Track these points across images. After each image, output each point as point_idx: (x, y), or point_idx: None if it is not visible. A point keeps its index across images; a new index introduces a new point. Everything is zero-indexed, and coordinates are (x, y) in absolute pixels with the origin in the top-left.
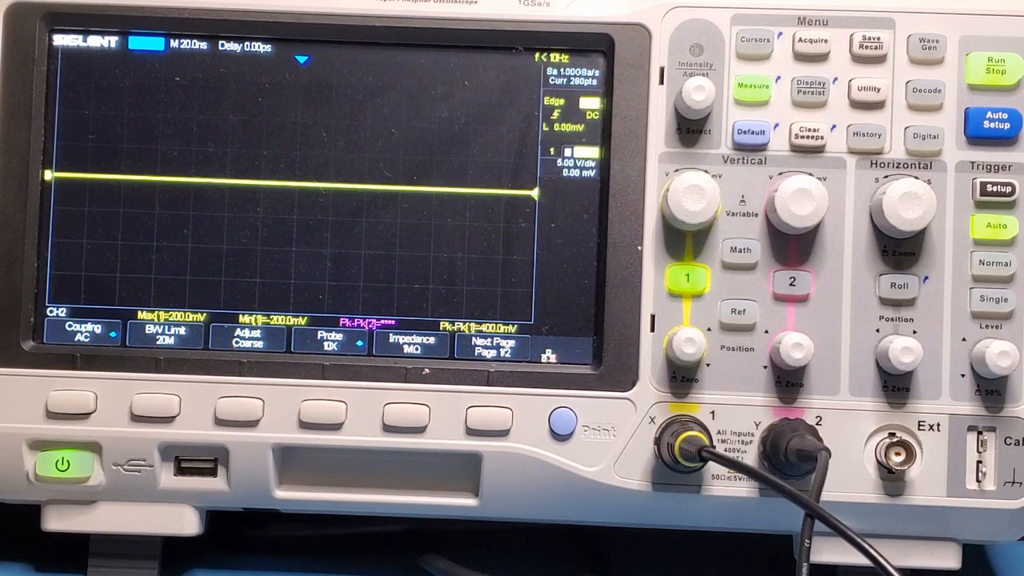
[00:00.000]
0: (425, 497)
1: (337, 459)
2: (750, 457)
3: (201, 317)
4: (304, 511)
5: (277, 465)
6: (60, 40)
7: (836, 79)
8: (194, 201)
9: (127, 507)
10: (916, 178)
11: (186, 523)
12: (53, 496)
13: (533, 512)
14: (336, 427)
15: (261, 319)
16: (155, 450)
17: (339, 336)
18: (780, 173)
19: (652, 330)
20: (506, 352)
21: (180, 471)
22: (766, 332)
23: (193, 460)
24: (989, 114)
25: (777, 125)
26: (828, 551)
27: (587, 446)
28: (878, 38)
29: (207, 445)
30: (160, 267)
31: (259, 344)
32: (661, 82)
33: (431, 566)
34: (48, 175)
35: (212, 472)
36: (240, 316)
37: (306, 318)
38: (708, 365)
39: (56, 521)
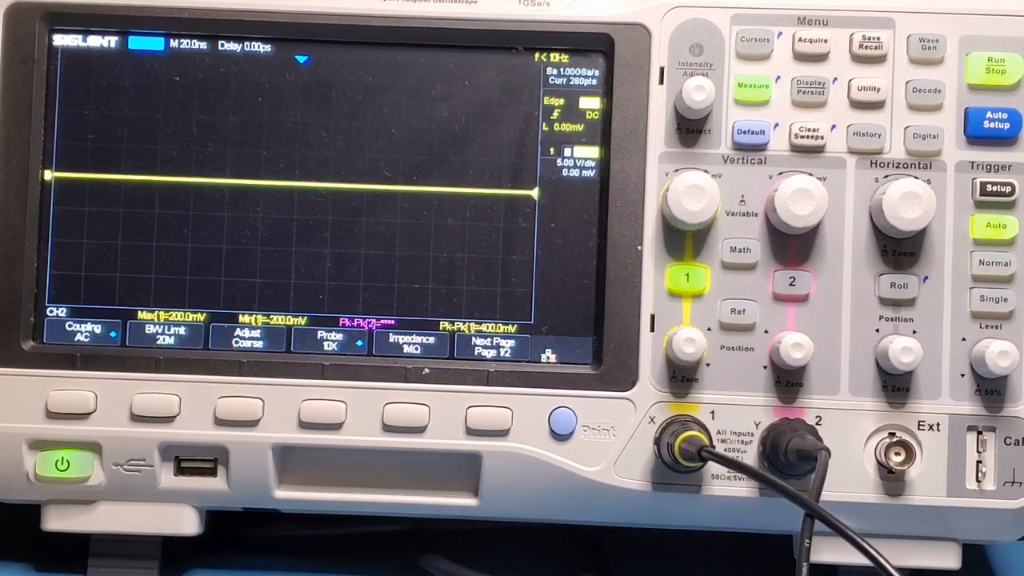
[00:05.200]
0: (425, 497)
1: (337, 459)
2: (750, 457)
3: (201, 317)
4: (304, 511)
5: (277, 465)
6: (60, 40)
7: (836, 79)
8: (194, 201)
9: (127, 507)
10: (916, 178)
11: (186, 523)
12: (53, 496)
13: (533, 512)
14: (336, 427)
15: (261, 319)
16: (155, 450)
17: (339, 336)
18: (780, 173)
19: (652, 330)
20: (506, 352)
21: (180, 471)
22: (766, 332)
23: (193, 460)
24: (989, 114)
25: (777, 125)
26: (828, 551)
27: (587, 446)
28: (878, 38)
29: (207, 445)
30: (160, 267)
31: (259, 344)
32: (661, 82)
33: (431, 566)
34: (48, 175)
35: (212, 472)
36: (240, 316)
37: (306, 318)
38: (708, 365)
39: (56, 521)
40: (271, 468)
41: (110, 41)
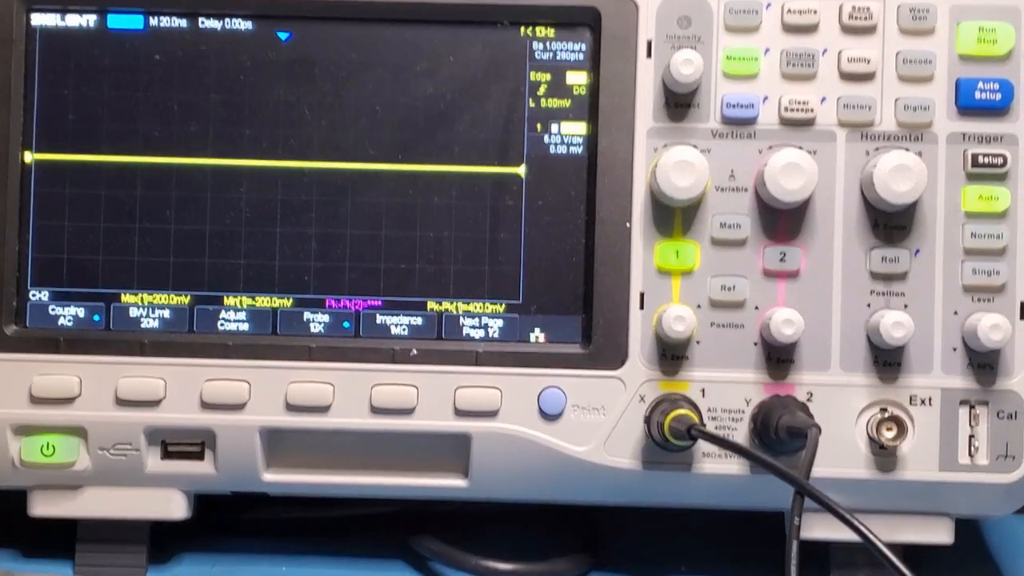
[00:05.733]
0: (414, 479)
1: (325, 441)
2: (741, 434)
3: (185, 300)
4: (293, 494)
5: (264, 448)
6: (38, 20)
7: (825, 50)
8: (176, 182)
9: (114, 492)
10: (907, 150)
11: (174, 507)
12: (39, 482)
13: (523, 492)
14: (323, 409)
15: (246, 301)
16: (141, 434)
17: (325, 317)
18: (770, 147)
19: (641, 308)
20: (494, 332)
21: (167, 455)
22: (756, 308)
23: (180, 444)
24: (980, 84)
25: (766, 98)
26: (819, 527)
27: (577, 425)
28: (868, 8)
29: (193, 429)
30: (143, 249)
31: (244, 326)
32: (648, 56)
33: (422, 547)
34: (28, 157)
35: (199, 456)
36: (225, 298)
37: (291, 300)
38: (698, 342)
39: (43, 507)
40: (259, 451)
41: (89, 20)
